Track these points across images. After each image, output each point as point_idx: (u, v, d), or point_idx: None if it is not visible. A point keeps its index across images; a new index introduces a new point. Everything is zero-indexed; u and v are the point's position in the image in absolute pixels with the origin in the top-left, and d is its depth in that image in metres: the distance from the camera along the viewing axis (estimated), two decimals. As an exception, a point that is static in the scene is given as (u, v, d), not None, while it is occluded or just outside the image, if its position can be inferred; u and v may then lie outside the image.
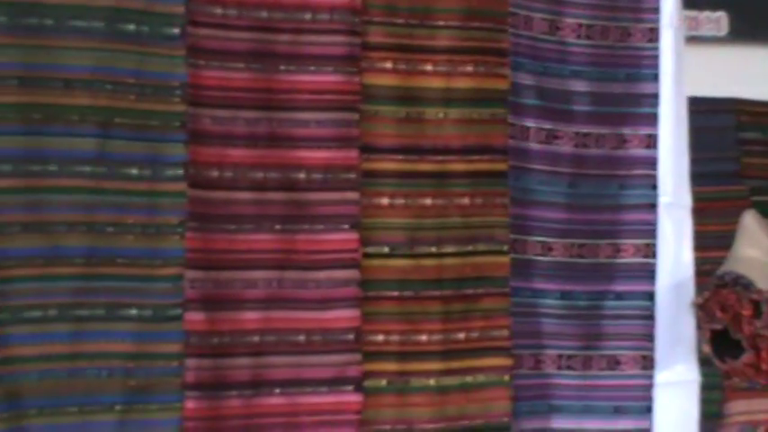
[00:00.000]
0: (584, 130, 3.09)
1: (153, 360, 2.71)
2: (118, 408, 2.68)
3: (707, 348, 2.96)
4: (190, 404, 2.72)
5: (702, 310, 2.94)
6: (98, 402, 2.67)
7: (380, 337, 2.88)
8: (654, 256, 3.12)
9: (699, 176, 3.21)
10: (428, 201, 2.93)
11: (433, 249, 2.93)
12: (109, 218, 2.68)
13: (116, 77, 2.67)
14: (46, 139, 2.63)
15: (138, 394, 2.70)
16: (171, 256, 2.73)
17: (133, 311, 2.69)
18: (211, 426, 2.74)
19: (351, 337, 2.82)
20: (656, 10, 3.13)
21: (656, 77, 3.13)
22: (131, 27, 2.68)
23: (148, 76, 2.70)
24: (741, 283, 2.88)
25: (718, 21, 4.03)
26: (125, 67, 2.68)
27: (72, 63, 2.64)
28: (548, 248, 3.05)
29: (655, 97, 3.13)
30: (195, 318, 2.73)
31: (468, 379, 2.96)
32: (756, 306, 2.86)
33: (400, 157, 2.91)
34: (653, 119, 3.13)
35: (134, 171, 2.70)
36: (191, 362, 2.72)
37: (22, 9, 2.59)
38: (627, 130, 3.12)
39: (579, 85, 3.10)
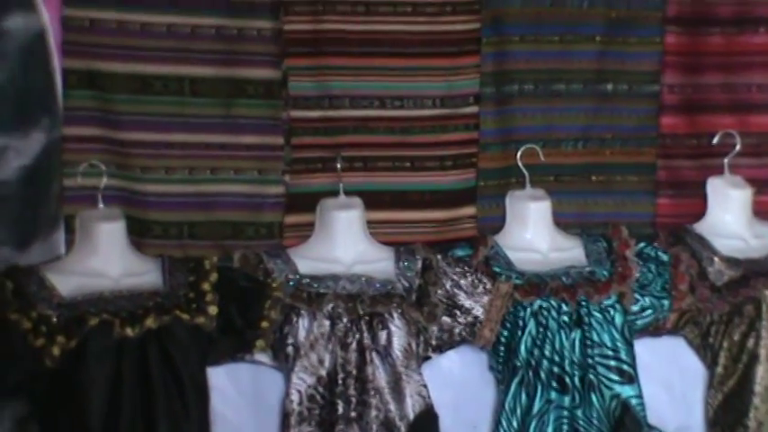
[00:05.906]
0: None
1: (636, -10, 2.68)
2: (598, 39, 2.68)
3: None
4: (670, 38, 2.69)
5: None
6: (579, 32, 2.68)
7: None
8: None
9: None
10: None
11: None
12: None
13: None
14: None
15: (619, 26, 2.68)
16: None
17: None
18: (691, 61, 2.70)
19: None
20: None
21: None
22: None
23: None
24: None
25: None
26: None
27: None
28: None
29: None
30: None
31: None
32: None
33: None
34: None
35: None
36: (673, -4, 2.68)
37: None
38: None
39: None
